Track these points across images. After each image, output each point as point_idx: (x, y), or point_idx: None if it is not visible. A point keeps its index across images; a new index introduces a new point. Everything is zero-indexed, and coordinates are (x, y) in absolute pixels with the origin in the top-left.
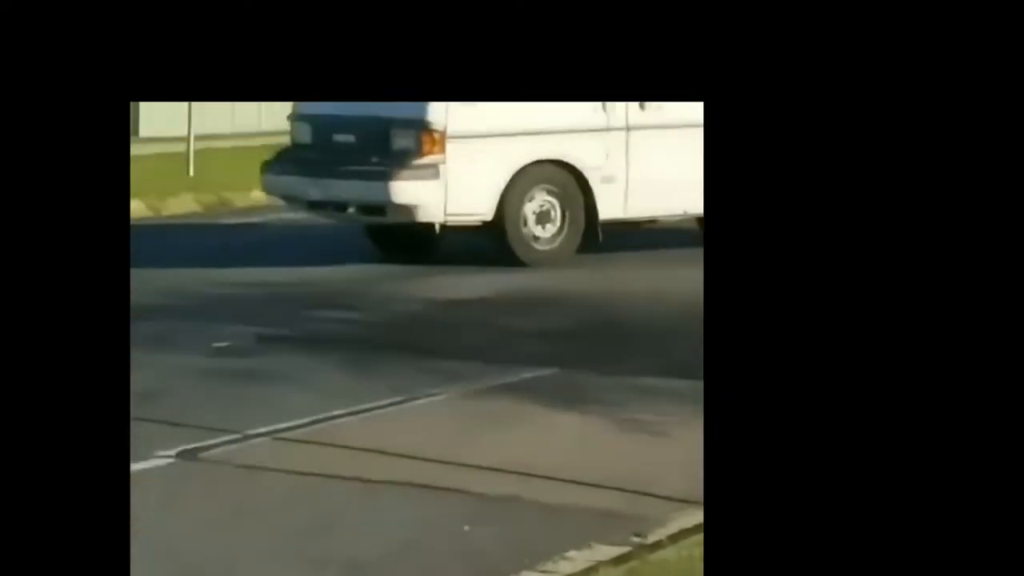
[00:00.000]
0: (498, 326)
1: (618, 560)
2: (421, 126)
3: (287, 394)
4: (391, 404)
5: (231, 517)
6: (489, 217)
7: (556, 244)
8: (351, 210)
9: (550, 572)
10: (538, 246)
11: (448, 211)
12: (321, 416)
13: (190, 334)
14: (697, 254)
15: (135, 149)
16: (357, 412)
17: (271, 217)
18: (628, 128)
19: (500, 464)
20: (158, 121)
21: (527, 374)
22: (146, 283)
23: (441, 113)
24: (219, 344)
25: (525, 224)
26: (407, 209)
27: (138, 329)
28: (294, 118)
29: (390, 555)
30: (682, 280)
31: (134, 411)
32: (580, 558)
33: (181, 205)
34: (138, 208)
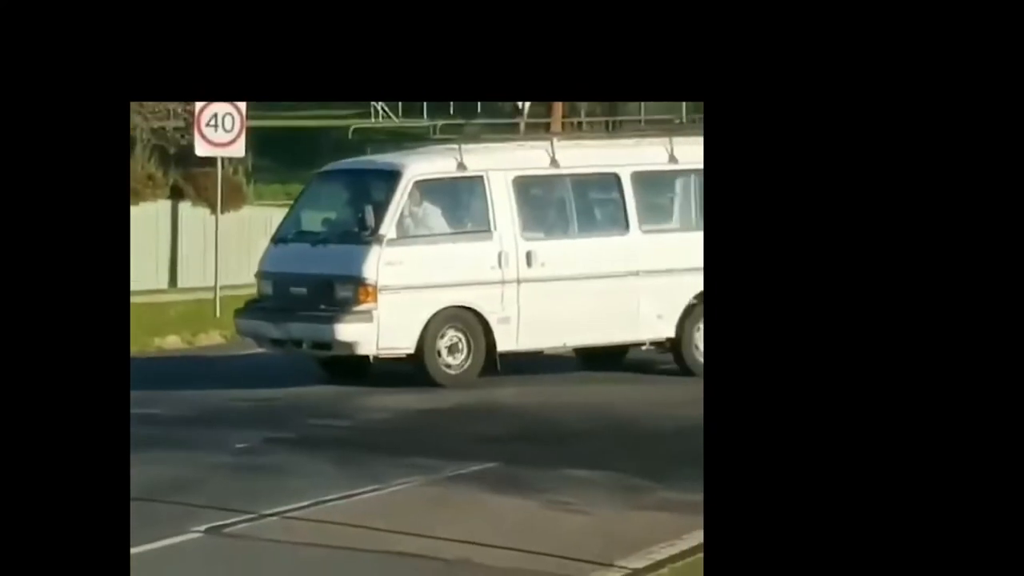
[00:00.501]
0: (451, 431)
1: None
2: (358, 281)
3: (291, 483)
4: (372, 491)
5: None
6: (412, 350)
7: (463, 370)
8: (305, 346)
9: None
10: (449, 371)
11: (380, 346)
12: (318, 500)
13: (217, 438)
14: (582, 376)
15: (174, 297)
16: (346, 497)
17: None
18: (519, 281)
19: (456, 536)
20: (193, 275)
21: (476, 467)
22: (183, 400)
23: (374, 271)
24: (240, 445)
25: (439, 355)
26: (348, 345)
27: (176, 434)
28: (259, 276)
29: None
30: (582, 394)
31: (174, 497)
32: None
33: (209, 339)
34: (175, 342)
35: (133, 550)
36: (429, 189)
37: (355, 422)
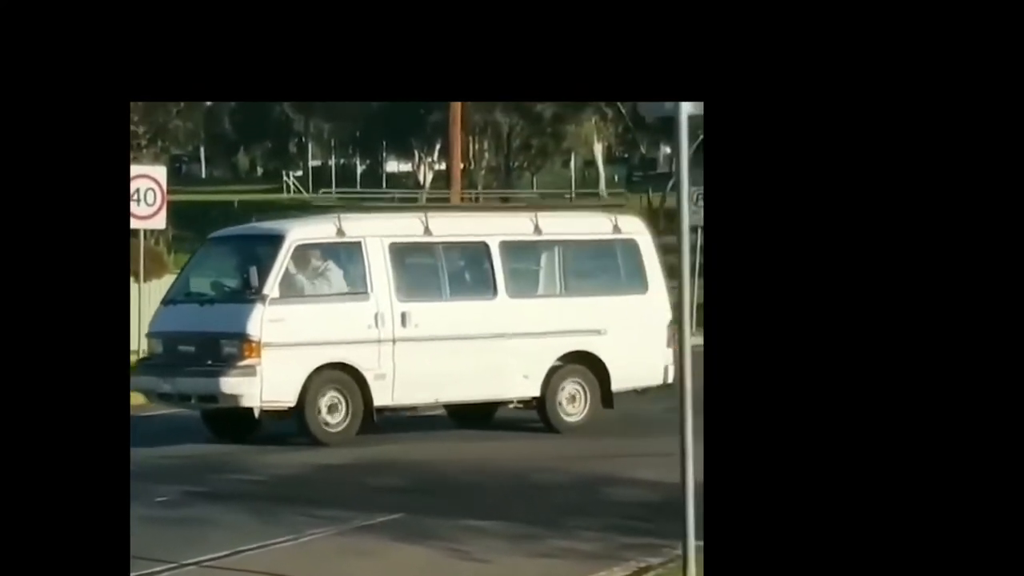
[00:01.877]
0: (354, 483)
1: None
2: (243, 337)
3: (209, 533)
4: (287, 540)
5: None
6: (293, 403)
7: (342, 428)
8: (192, 400)
9: None
10: (328, 429)
11: (263, 399)
12: (237, 549)
13: (137, 491)
14: (460, 433)
15: None
16: (261, 547)
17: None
18: (394, 340)
19: None
20: None
21: (382, 518)
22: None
23: (257, 327)
24: (160, 498)
25: (319, 412)
26: (233, 398)
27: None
28: (149, 336)
29: None
30: (464, 449)
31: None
32: None
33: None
34: None
35: None
36: (310, 252)
37: (267, 477)
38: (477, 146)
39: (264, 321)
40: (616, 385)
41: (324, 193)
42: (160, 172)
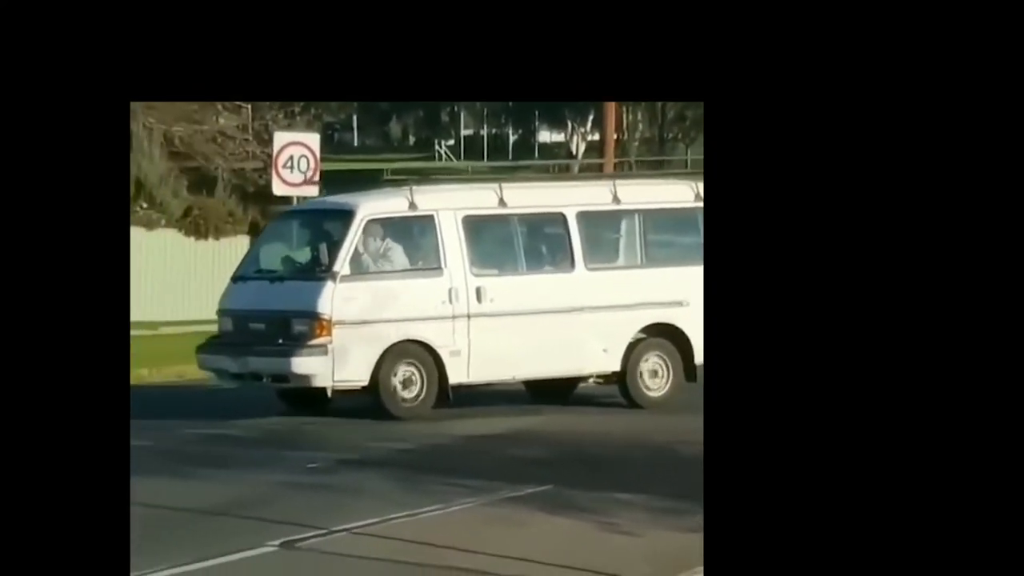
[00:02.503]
0: (498, 454)
1: None
2: (313, 316)
3: (358, 501)
4: (434, 510)
5: None
6: (366, 383)
7: (418, 403)
8: (264, 380)
9: None
10: (404, 404)
11: (335, 379)
12: (385, 517)
13: (290, 458)
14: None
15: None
16: (410, 515)
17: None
18: (469, 316)
19: (513, 553)
20: None
21: (529, 489)
22: (255, 425)
23: (328, 305)
24: (311, 465)
25: (394, 389)
26: (304, 378)
27: (255, 455)
28: (220, 313)
29: None
30: (621, 422)
31: (251, 513)
32: None
33: None
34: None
35: (211, 562)
36: (381, 227)
37: (414, 445)
38: (631, 117)
39: (335, 299)
40: (700, 358)
41: (476, 162)
42: (314, 139)
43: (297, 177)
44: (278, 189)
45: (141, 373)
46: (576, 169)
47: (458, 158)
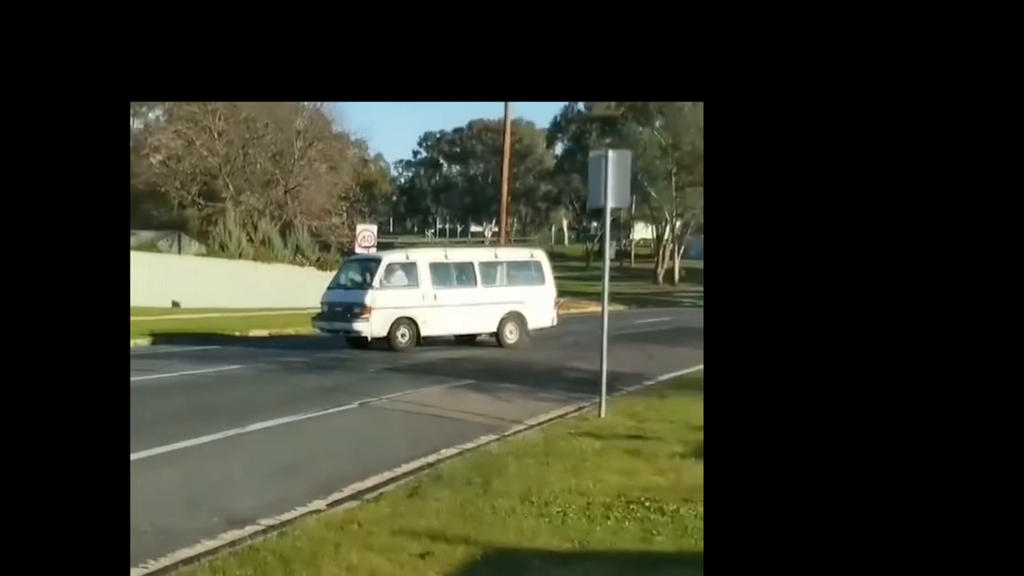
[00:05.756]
0: (450, 366)
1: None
2: (363, 306)
3: (395, 384)
4: (425, 387)
5: (376, 422)
6: (384, 335)
7: (407, 344)
8: (340, 332)
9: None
10: (401, 344)
11: (372, 334)
12: (406, 391)
13: (360, 366)
14: (464, 347)
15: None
16: (413, 391)
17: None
18: (430, 306)
19: (456, 407)
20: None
21: (468, 380)
22: (341, 355)
23: (370, 300)
24: (371, 370)
25: (398, 338)
26: (358, 331)
27: (347, 364)
28: (322, 303)
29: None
30: (491, 353)
31: (348, 389)
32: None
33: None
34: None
35: (331, 410)
36: (393, 266)
37: (418, 362)
38: (510, 220)
39: (373, 297)
40: (531, 326)
41: (439, 239)
42: (373, 227)
43: (368, 243)
44: (357, 250)
45: (299, 330)
46: (486, 243)
47: (435, 237)
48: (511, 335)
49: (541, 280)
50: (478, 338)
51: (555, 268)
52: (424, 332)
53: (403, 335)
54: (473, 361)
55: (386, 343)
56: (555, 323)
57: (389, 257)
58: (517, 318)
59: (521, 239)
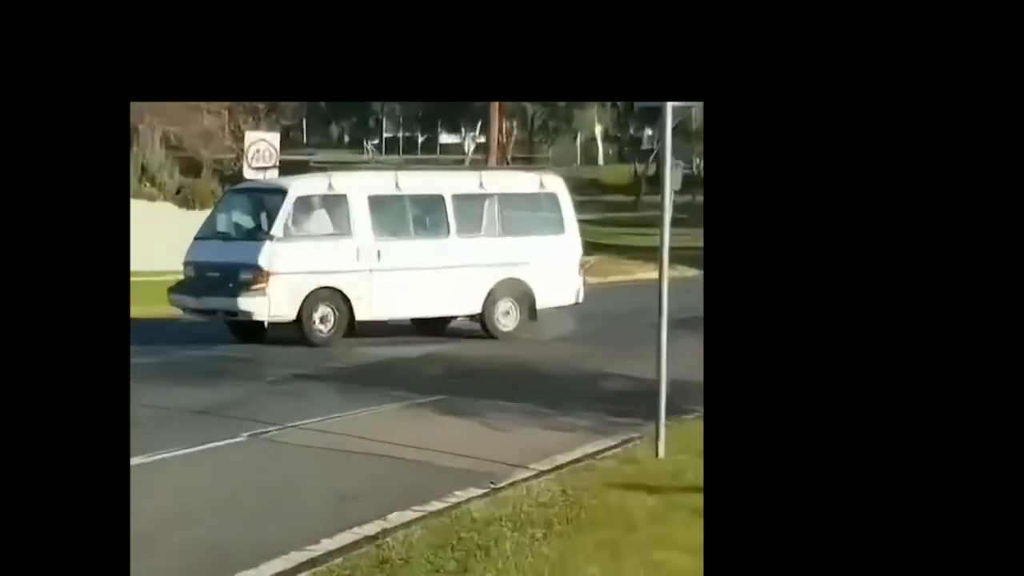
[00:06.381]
0: (411, 372)
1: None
2: (255, 268)
3: (311, 402)
4: (363, 407)
5: (275, 468)
6: (293, 318)
7: (331, 334)
8: (217, 313)
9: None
10: (321, 335)
11: (270, 314)
12: (329, 416)
13: (251, 371)
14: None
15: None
16: (344, 413)
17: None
18: (371, 270)
19: (415, 442)
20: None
21: (436, 396)
22: (235, 349)
23: (266, 259)
24: (271, 378)
25: (314, 323)
26: (247, 313)
27: (232, 367)
28: (185, 264)
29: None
30: (487, 348)
31: (230, 412)
32: (457, 496)
33: None
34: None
35: (201, 447)
36: (308, 202)
37: (352, 365)
38: (508, 125)
39: (272, 255)
40: (540, 303)
41: (392, 156)
42: (274, 137)
43: (262, 163)
44: (248, 174)
45: (144, 309)
46: (467, 163)
47: (381, 153)
48: (507, 318)
49: (558, 226)
50: (452, 324)
51: (584, 205)
52: (361, 315)
53: (324, 319)
54: (444, 363)
55: (296, 331)
56: (580, 299)
57: (300, 185)
58: (517, 290)
59: (525, 157)
